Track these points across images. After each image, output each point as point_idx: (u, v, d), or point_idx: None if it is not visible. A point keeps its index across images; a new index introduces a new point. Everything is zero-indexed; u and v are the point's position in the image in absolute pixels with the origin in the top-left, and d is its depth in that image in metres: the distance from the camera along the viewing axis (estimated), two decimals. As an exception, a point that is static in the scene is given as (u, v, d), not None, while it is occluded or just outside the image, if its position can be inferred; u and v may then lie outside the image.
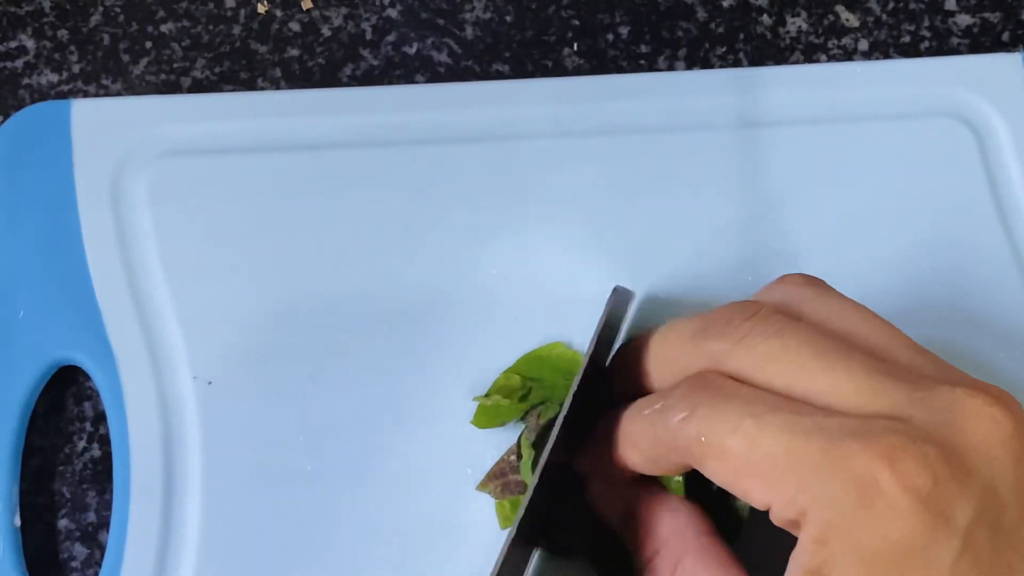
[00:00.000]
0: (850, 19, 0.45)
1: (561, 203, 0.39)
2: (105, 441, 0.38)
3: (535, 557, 0.34)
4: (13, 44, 0.43)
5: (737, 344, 0.28)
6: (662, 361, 0.31)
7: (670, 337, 0.30)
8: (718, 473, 0.27)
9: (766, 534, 0.28)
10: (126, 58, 0.43)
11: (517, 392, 0.36)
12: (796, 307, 0.29)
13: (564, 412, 0.31)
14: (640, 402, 0.30)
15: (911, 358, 0.27)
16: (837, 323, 0.28)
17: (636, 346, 0.32)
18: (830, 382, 0.26)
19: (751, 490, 0.26)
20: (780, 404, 0.26)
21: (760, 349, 0.27)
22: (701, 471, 0.28)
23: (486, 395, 0.36)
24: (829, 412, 0.26)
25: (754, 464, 0.26)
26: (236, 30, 0.43)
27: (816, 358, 0.27)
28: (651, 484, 0.32)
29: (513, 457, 0.35)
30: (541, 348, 0.37)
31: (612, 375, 0.33)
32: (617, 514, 0.32)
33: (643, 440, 0.30)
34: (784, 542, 0.26)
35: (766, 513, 0.27)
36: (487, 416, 0.36)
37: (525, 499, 0.30)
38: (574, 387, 0.31)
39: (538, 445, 0.34)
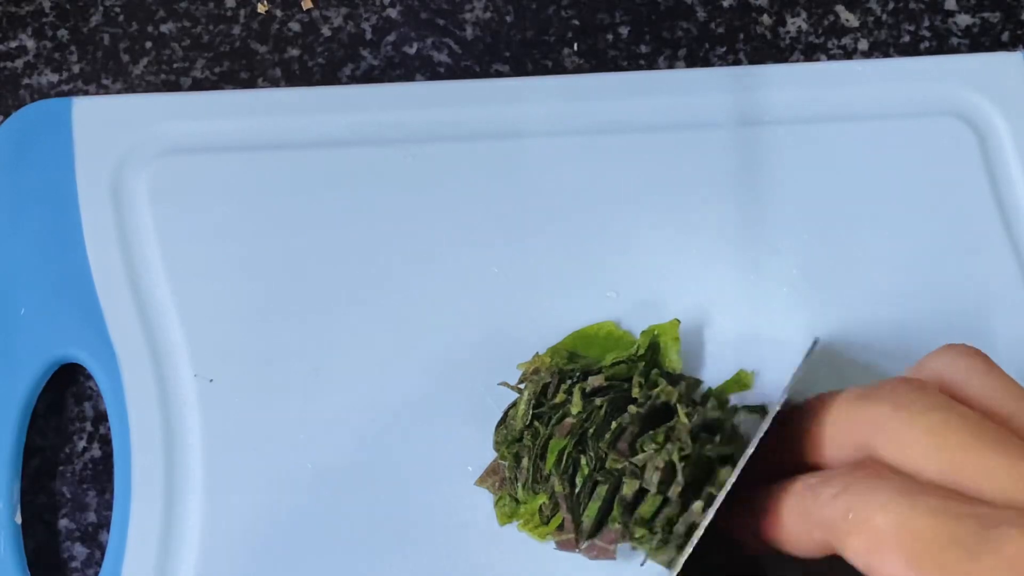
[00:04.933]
0: (850, 19, 0.45)
1: (562, 201, 0.39)
2: (105, 441, 0.38)
3: None
4: (13, 44, 0.43)
5: (898, 410, 0.28)
6: (823, 425, 0.31)
7: (835, 400, 0.31)
8: (860, 551, 0.26)
9: None
10: (126, 58, 0.43)
11: (559, 363, 0.36)
12: (961, 381, 0.29)
13: (747, 455, 0.31)
14: (796, 480, 0.30)
15: None
16: (1000, 404, 0.28)
17: (802, 410, 0.32)
18: (987, 466, 0.26)
19: (890, 569, 0.26)
20: (933, 490, 0.26)
21: (921, 420, 0.28)
22: (841, 551, 0.27)
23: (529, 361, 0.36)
24: (981, 501, 0.26)
25: (899, 542, 0.25)
26: (236, 30, 0.43)
27: (975, 439, 0.27)
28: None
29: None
30: (590, 327, 0.37)
31: (774, 437, 0.33)
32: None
33: (790, 515, 0.30)
34: None
35: None
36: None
37: (692, 543, 0.30)
38: (760, 433, 0.31)
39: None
